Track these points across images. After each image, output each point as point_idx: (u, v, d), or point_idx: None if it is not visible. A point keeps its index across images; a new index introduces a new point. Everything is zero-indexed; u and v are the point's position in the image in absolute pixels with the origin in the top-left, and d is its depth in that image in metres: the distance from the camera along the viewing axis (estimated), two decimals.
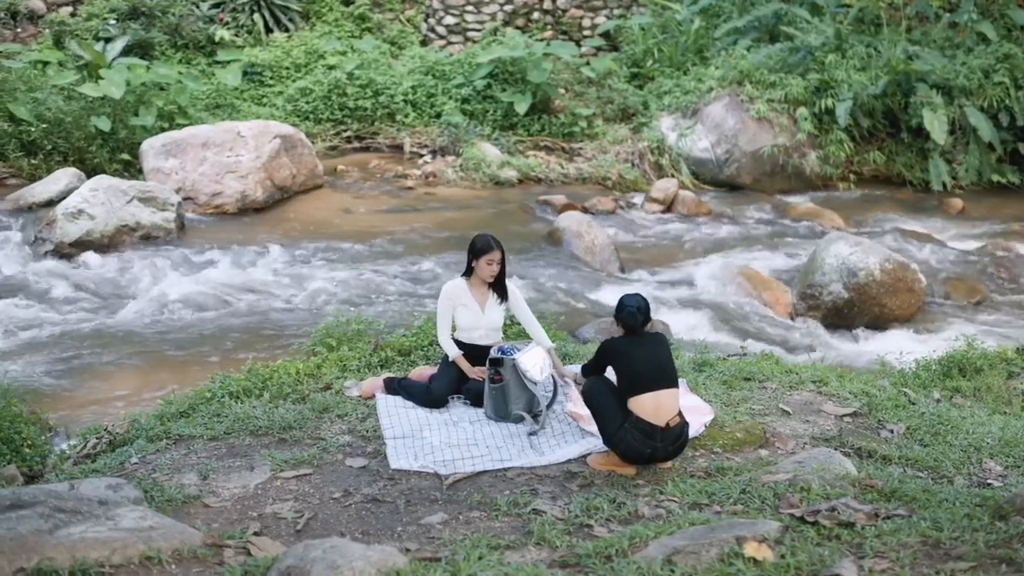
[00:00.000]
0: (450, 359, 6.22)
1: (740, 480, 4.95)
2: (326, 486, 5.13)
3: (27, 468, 5.89)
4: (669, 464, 5.34)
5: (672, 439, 5.18)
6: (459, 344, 6.29)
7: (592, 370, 5.46)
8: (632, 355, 5.24)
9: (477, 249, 6.19)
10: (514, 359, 5.91)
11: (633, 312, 5.32)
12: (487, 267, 6.18)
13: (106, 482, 4.51)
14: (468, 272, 6.29)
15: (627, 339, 5.33)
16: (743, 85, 14.75)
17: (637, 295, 5.46)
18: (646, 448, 5.14)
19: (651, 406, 5.14)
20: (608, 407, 5.23)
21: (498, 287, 6.28)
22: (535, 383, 5.94)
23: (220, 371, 6.79)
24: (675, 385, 5.26)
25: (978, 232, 13.13)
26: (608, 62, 16.11)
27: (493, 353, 6.01)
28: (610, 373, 5.44)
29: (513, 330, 6.98)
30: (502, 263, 6.22)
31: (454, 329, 6.36)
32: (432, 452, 5.53)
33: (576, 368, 5.99)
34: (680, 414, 5.24)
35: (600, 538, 4.25)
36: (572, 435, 5.75)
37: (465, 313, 6.24)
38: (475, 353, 6.24)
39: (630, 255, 11.92)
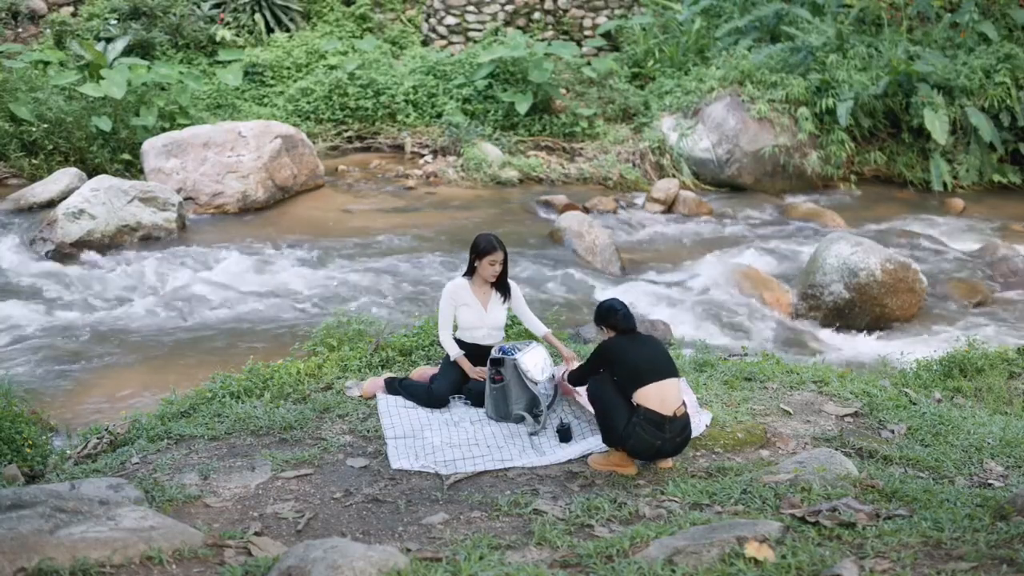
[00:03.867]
0: (451, 359, 6.22)
1: (741, 480, 4.95)
2: (327, 486, 5.13)
3: (28, 468, 5.89)
4: (670, 463, 5.34)
5: (679, 429, 5.21)
6: (461, 344, 6.28)
7: (587, 373, 5.48)
8: (632, 351, 5.28)
9: (480, 250, 6.19)
10: (515, 359, 5.91)
11: (627, 315, 5.42)
12: (490, 267, 6.19)
13: (107, 482, 4.51)
14: (470, 272, 6.29)
15: (624, 337, 5.37)
16: (744, 85, 14.75)
17: (617, 300, 5.55)
18: (656, 440, 5.16)
19: (657, 396, 5.17)
20: (615, 404, 5.25)
21: (500, 286, 6.29)
22: (536, 383, 5.94)
23: (221, 371, 6.79)
24: (676, 375, 5.30)
25: (979, 232, 13.13)
26: (609, 62, 16.11)
27: (494, 353, 6.01)
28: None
29: (514, 330, 6.97)
30: (504, 263, 6.23)
31: (455, 329, 6.36)
32: (433, 452, 5.53)
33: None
34: (684, 404, 5.27)
35: (601, 538, 4.25)
36: (573, 435, 5.74)
37: (467, 313, 6.25)
38: (477, 353, 6.24)
39: (631, 255, 11.92)
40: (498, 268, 6.20)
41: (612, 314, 5.43)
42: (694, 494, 4.81)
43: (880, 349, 9.39)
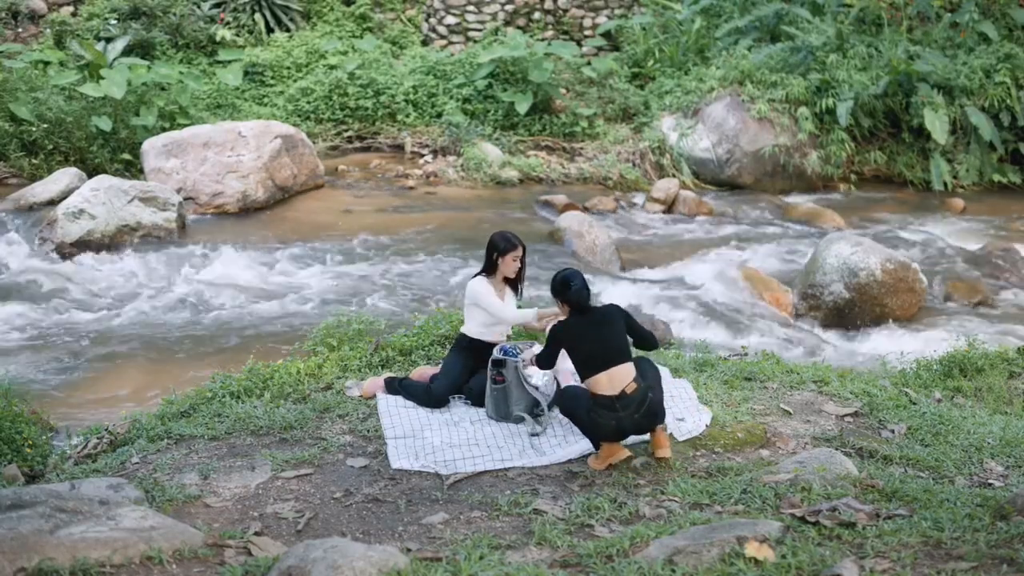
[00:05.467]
0: (535, 316, 6.13)
1: (741, 480, 4.95)
2: (327, 486, 5.13)
3: (28, 468, 5.89)
4: (668, 452, 5.33)
5: (635, 405, 5.22)
6: (470, 341, 6.26)
7: (547, 358, 5.59)
8: (584, 337, 5.33)
9: (502, 248, 6.22)
10: (517, 361, 5.91)
11: (580, 289, 5.41)
12: (513, 263, 6.23)
13: (107, 482, 4.51)
14: (488, 270, 6.28)
15: (577, 320, 5.40)
16: (744, 85, 14.75)
17: (573, 270, 5.55)
18: (611, 420, 5.22)
19: (606, 382, 5.25)
20: (578, 408, 5.35)
21: (513, 282, 6.33)
22: (536, 387, 5.93)
23: (221, 371, 6.79)
24: (628, 360, 5.32)
25: (979, 232, 13.13)
26: (609, 62, 16.12)
27: (496, 354, 6.01)
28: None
29: (514, 329, 6.97)
30: (523, 259, 6.28)
31: (461, 327, 6.37)
32: (433, 452, 5.53)
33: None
34: (636, 379, 5.26)
35: (601, 538, 4.25)
36: (573, 435, 5.75)
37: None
38: (485, 350, 6.21)
39: (631, 255, 11.92)
40: (518, 264, 6.25)
41: (564, 290, 5.43)
42: (694, 494, 4.81)
43: (880, 349, 9.38)
